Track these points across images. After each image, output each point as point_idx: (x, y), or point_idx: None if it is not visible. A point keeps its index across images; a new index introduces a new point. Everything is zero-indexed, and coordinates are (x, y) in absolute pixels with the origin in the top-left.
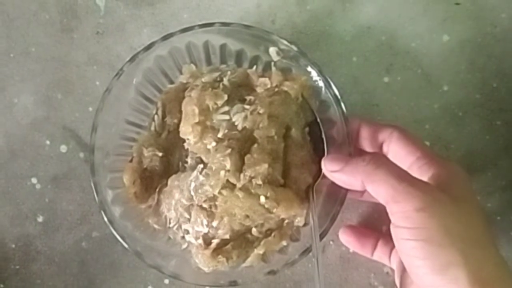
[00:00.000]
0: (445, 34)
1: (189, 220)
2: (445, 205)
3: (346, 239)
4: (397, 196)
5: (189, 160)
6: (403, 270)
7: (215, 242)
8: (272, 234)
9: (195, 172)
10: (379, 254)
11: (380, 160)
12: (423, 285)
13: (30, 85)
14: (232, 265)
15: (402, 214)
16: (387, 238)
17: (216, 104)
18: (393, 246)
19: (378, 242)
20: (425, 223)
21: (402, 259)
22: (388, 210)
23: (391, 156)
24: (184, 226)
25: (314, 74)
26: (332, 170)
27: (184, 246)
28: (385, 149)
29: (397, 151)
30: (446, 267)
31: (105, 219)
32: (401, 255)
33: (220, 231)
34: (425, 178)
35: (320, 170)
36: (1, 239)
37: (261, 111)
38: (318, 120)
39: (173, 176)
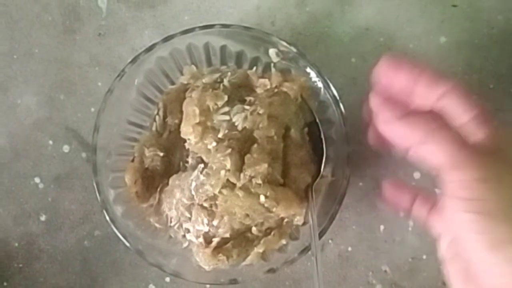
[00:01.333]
0: (442, 36)
1: (190, 219)
2: (507, 178)
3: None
4: (457, 163)
5: (190, 160)
6: (450, 240)
7: (215, 240)
8: (272, 233)
9: (195, 172)
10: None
11: (441, 120)
12: (473, 260)
13: (33, 86)
14: (232, 263)
15: (461, 184)
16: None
17: (216, 104)
18: (430, 208)
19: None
20: (486, 194)
21: (453, 231)
22: (443, 177)
23: (448, 111)
24: (185, 225)
25: (313, 75)
26: (393, 117)
27: (185, 244)
28: (442, 102)
29: (455, 107)
30: (502, 244)
31: (107, 218)
32: (453, 227)
33: (220, 230)
34: (479, 137)
35: (319, 169)
36: (4, 237)
37: (261, 112)
38: (317, 120)
39: (174, 176)
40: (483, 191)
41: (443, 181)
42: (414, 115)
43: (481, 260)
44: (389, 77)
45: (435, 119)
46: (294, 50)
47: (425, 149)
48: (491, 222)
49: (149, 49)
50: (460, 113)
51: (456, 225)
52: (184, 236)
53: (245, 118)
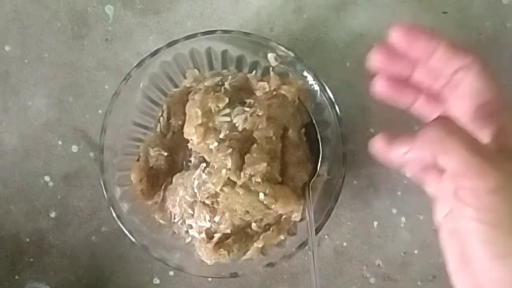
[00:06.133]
0: None
1: (192, 215)
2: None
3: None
4: (469, 171)
5: (192, 159)
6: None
7: (217, 236)
8: (271, 229)
9: (198, 171)
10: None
11: (449, 125)
12: (473, 258)
13: (43, 89)
14: (233, 257)
15: (472, 192)
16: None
17: (218, 106)
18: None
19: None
20: (496, 206)
21: (459, 236)
22: (456, 184)
23: (462, 90)
24: (188, 221)
25: (310, 78)
26: (401, 153)
27: (188, 240)
28: (458, 77)
29: (471, 86)
30: (507, 255)
31: (114, 214)
32: (459, 232)
33: (221, 226)
34: (489, 127)
35: (315, 168)
36: (16, 233)
37: (260, 113)
38: (314, 121)
39: (178, 174)
40: (493, 202)
41: (457, 188)
42: (419, 137)
43: (487, 268)
44: (404, 44)
45: (445, 125)
46: (292, 54)
47: (441, 161)
48: (498, 233)
49: (154, 53)
50: (475, 92)
51: (463, 231)
52: (187, 231)
53: (245, 119)
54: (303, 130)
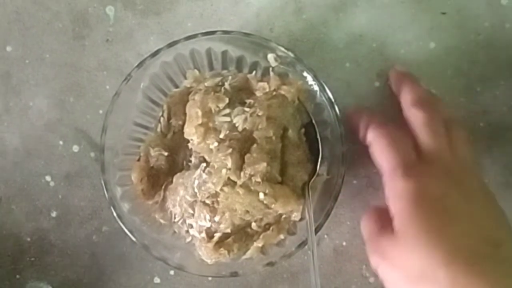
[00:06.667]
0: (432, 42)
1: (193, 215)
2: (387, 255)
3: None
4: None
5: (193, 159)
6: None
7: (217, 235)
8: (271, 228)
9: (198, 171)
10: None
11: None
12: None
13: (45, 89)
14: (233, 257)
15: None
16: None
17: (218, 107)
18: None
19: None
20: (382, 274)
21: None
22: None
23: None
24: (188, 221)
25: (309, 78)
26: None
27: (188, 239)
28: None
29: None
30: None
31: (114, 214)
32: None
33: (222, 226)
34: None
35: (315, 168)
36: (17, 233)
37: (260, 114)
38: (313, 121)
39: (178, 174)
40: (381, 273)
41: None
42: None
43: None
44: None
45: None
46: (292, 55)
47: None
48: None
49: (154, 54)
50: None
51: None
52: (187, 231)
53: (245, 119)
54: (302, 130)
